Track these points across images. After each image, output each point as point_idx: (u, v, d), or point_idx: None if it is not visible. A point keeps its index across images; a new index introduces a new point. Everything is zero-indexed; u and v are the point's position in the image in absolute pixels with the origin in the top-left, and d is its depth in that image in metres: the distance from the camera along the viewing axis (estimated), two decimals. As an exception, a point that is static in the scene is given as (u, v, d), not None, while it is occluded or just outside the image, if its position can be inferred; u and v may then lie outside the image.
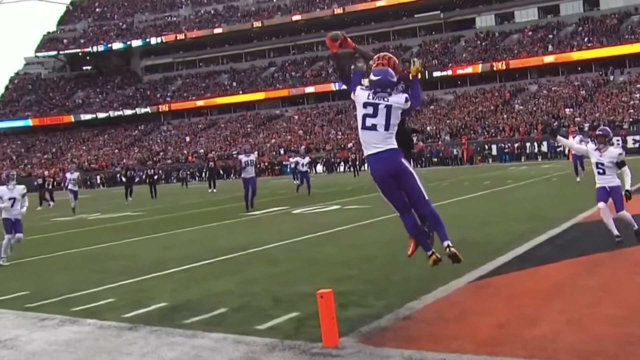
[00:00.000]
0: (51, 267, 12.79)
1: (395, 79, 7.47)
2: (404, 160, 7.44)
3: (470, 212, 17.22)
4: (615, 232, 10.34)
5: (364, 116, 7.34)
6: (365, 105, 7.32)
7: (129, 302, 8.91)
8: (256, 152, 24.98)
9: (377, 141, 7.29)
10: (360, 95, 7.41)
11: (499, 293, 7.98)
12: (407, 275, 9.18)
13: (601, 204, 10.45)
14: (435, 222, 7.64)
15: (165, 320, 7.70)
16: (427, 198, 7.58)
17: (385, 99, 7.27)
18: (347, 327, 6.59)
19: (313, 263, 11.04)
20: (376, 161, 7.40)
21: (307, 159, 31.28)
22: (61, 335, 7.49)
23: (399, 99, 7.30)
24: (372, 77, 7.42)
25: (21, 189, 14.63)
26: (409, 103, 7.31)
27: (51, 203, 36.18)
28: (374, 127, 7.28)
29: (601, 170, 10.58)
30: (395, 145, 7.33)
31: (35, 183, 40.45)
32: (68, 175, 31.59)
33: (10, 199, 14.24)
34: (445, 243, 7.40)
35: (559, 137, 12.37)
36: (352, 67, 7.91)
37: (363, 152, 7.58)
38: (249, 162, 23.03)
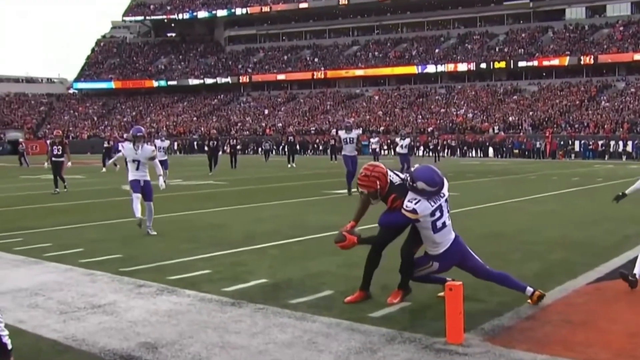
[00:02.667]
0: (139, 230, 12.62)
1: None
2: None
3: (567, 209, 16.55)
4: None
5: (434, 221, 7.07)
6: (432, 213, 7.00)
7: (226, 276, 8.69)
8: (359, 130, 23.03)
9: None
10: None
11: (622, 298, 7.51)
12: (519, 272, 8.69)
13: None
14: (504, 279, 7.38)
15: (269, 299, 7.41)
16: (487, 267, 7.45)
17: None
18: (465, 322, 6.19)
19: (416, 250, 10.59)
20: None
21: (407, 140, 29.51)
22: (161, 305, 7.28)
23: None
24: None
25: (149, 151, 12.81)
26: None
27: (117, 166, 35.37)
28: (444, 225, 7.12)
29: None
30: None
31: (105, 145, 40.03)
32: (158, 142, 26.78)
33: (134, 160, 12.60)
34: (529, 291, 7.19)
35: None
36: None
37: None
38: (348, 140, 21.02)
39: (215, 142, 33.92)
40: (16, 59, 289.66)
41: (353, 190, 18.08)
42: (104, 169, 35.99)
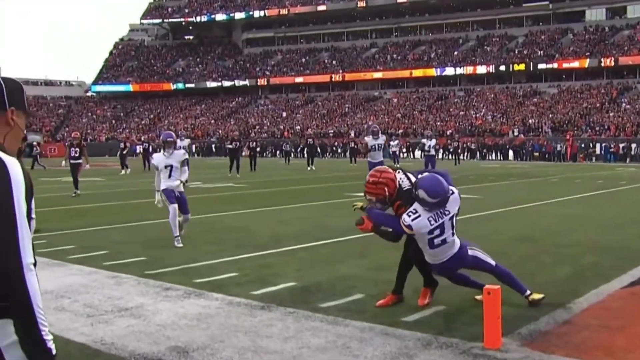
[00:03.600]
0: (164, 233, 12.52)
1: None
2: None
3: (593, 212, 16.34)
4: None
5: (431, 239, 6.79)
6: (430, 231, 6.72)
7: (253, 279, 8.59)
8: (384, 137, 21.16)
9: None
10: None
11: (659, 304, 7.34)
12: (552, 276, 8.57)
13: None
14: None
15: (299, 302, 7.29)
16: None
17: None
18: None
19: (443, 253, 10.44)
20: None
21: (434, 141, 28.91)
22: (189, 308, 7.17)
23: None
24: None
25: (181, 154, 12.21)
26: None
27: (129, 169, 35.91)
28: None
29: None
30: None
31: (122, 146, 39.87)
32: (178, 142, 26.83)
33: (167, 166, 11.86)
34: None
35: None
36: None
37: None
38: (377, 147, 19.72)
39: (237, 144, 33.70)
40: (34, 62, 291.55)
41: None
42: (122, 172, 36.03)
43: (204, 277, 8.72)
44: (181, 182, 11.88)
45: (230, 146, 34.06)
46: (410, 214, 6.65)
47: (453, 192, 6.84)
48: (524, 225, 13.62)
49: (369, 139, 20.14)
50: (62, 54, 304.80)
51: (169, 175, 11.80)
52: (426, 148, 29.24)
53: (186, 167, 12.15)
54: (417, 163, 39.55)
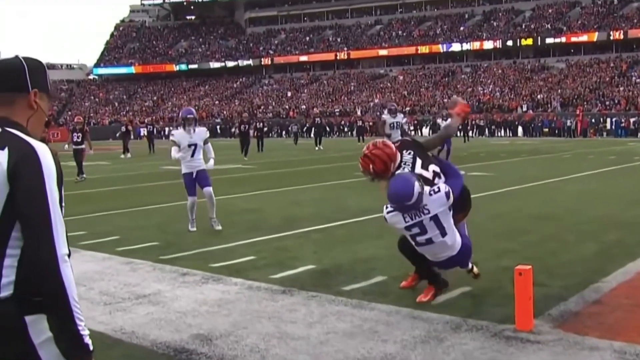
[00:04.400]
0: (175, 216, 12.40)
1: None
2: None
3: (609, 189, 16.09)
4: None
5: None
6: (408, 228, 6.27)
7: (271, 262, 8.46)
8: (402, 115, 20.44)
9: None
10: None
11: (689, 282, 7.18)
12: (577, 254, 8.39)
13: None
14: None
15: (321, 286, 7.14)
16: None
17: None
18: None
19: (463, 232, 10.26)
20: None
21: (449, 121, 27.48)
22: (209, 294, 7.03)
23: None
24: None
25: (204, 132, 11.62)
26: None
27: (129, 154, 35.90)
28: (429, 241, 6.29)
29: None
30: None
31: (123, 129, 39.65)
32: None
33: (190, 145, 11.18)
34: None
35: None
36: None
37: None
38: (395, 125, 18.75)
39: (247, 126, 33.24)
40: (35, 46, 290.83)
41: None
42: (122, 155, 35.88)
43: (220, 261, 8.59)
44: (213, 159, 11.51)
45: (240, 128, 33.52)
46: (387, 206, 6.30)
47: (437, 191, 6.18)
48: (541, 203, 13.41)
49: (386, 117, 19.30)
50: (62, 36, 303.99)
51: (192, 155, 11.18)
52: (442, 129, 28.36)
53: (209, 145, 11.55)
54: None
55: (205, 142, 11.39)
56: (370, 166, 6.36)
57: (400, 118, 19.08)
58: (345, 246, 9.32)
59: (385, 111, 19.38)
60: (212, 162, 11.51)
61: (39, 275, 2.38)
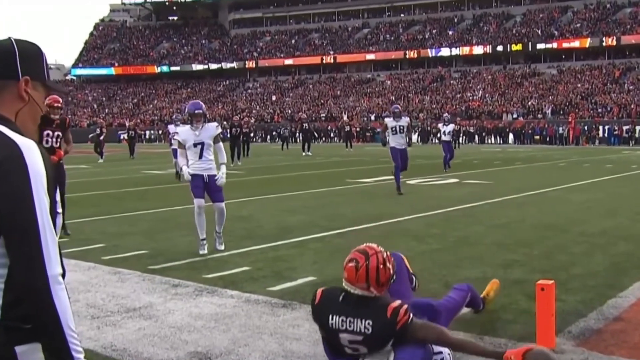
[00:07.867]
0: (162, 223, 11.99)
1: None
2: None
3: (611, 198, 15.70)
4: None
5: None
6: None
7: (268, 273, 8.07)
8: (407, 119, 17.91)
9: None
10: None
11: None
12: (587, 267, 8.05)
13: None
14: None
15: (323, 300, 6.69)
16: None
17: None
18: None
19: (465, 243, 9.92)
20: None
21: (451, 126, 25.39)
22: (204, 308, 6.62)
23: None
24: None
25: (213, 128, 9.75)
26: None
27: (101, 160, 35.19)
28: None
29: None
30: None
31: (97, 132, 38.90)
32: (171, 128, 22.92)
33: (196, 144, 9.52)
34: None
35: None
36: None
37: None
38: (398, 128, 17.27)
39: (238, 130, 32.29)
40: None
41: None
42: (100, 160, 35.20)
43: (214, 271, 8.18)
44: (224, 165, 9.78)
45: (232, 132, 32.14)
46: None
47: None
48: (543, 213, 13.06)
49: (389, 120, 17.71)
50: (38, 35, 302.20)
51: (200, 156, 9.52)
52: (440, 134, 27.51)
53: (221, 144, 9.80)
54: (415, 147, 38.93)
55: (216, 141, 9.69)
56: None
57: (404, 122, 17.46)
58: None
59: (391, 115, 17.88)
60: (223, 171, 9.67)
61: (29, 302, 2.01)
